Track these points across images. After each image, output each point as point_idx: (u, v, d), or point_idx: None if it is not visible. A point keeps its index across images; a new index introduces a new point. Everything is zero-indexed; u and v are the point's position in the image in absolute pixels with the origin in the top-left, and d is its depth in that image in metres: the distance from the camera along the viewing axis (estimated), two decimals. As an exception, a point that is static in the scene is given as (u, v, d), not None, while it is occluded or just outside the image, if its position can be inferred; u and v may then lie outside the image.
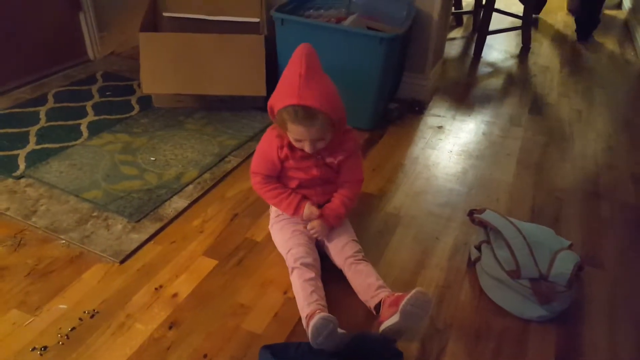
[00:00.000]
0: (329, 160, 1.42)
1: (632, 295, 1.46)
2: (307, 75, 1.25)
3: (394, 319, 1.19)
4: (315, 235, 1.44)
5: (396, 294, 1.26)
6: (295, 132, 1.30)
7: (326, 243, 1.46)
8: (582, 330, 1.35)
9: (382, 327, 1.23)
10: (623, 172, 2.06)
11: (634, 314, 1.40)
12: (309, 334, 1.16)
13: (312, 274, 1.33)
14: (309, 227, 1.44)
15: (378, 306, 1.29)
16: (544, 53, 3.33)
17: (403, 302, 1.18)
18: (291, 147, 1.38)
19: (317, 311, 1.21)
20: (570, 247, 1.43)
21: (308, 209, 1.43)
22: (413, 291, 1.19)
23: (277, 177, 1.47)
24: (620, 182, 1.99)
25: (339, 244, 1.43)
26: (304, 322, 1.25)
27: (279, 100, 1.28)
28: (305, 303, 1.26)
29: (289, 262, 1.39)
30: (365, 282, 1.34)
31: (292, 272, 1.37)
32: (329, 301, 1.30)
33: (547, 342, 1.30)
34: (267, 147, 1.42)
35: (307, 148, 1.33)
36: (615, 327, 1.36)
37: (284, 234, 1.46)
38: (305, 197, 1.46)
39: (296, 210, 1.43)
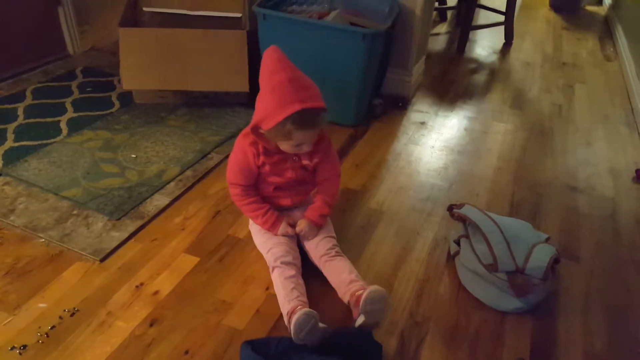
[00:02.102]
0: (305, 162, 1.41)
1: (606, 288, 1.50)
2: (295, 77, 1.23)
3: (361, 319, 1.21)
4: (304, 236, 1.45)
5: (357, 294, 1.26)
6: (299, 139, 1.27)
7: (303, 241, 1.47)
8: (558, 321, 1.37)
9: (356, 324, 1.24)
10: (601, 166, 2.10)
11: (608, 306, 1.44)
12: (291, 329, 1.17)
13: (293, 272, 1.34)
14: (297, 229, 1.44)
15: (349, 301, 1.31)
16: (526, 48, 3.37)
17: (361, 305, 1.20)
18: (267, 152, 1.36)
19: (299, 307, 1.22)
20: (547, 240, 1.46)
21: (283, 228, 1.43)
22: (365, 293, 1.20)
23: (254, 184, 1.45)
24: (598, 176, 2.03)
25: (314, 242, 1.44)
26: (285, 318, 1.26)
27: (274, 112, 1.22)
28: (287, 300, 1.27)
29: (269, 261, 1.39)
30: (339, 279, 1.35)
31: (272, 270, 1.37)
32: (309, 297, 1.31)
33: (523, 333, 1.33)
34: (242, 157, 1.38)
35: (306, 148, 1.32)
36: (590, 318, 1.39)
37: (264, 233, 1.46)
38: (279, 207, 1.47)
39: (272, 228, 1.43)
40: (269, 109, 1.24)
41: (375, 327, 1.25)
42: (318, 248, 1.42)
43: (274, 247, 1.40)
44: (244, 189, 1.43)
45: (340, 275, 1.35)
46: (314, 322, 1.16)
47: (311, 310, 1.18)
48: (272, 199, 1.47)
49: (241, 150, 1.38)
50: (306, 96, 1.21)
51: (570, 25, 3.89)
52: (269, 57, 1.27)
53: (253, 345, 1.17)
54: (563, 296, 1.45)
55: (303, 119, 1.22)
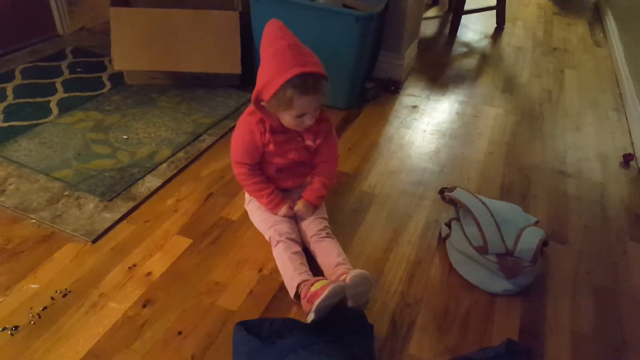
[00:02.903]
0: (308, 142, 1.41)
1: (594, 270, 1.53)
2: (295, 44, 1.22)
3: (350, 302, 1.22)
4: (300, 216, 1.46)
5: (341, 278, 1.24)
6: (301, 106, 1.23)
7: (299, 222, 1.48)
8: (546, 303, 1.40)
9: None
10: (589, 151, 2.12)
11: (595, 288, 1.46)
12: (322, 296, 1.14)
13: (299, 248, 1.37)
14: (295, 209, 1.46)
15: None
16: (517, 33, 3.37)
17: (346, 290, 1.19)
18: (273, 131, 1.36)
19: (316, 280, 1.23)
20: (536, 223, 1.48)
21: (285, 209, 1.44)
22: (348, 278, 1.20)
23: (259, 163, 1.45)
24: (586, 160, 2.05)
25: (306, 222, 1.45)
26: (292, 291, 1.28)
27: (275, 78, 1.20)
28: (296, 273, 1.28)
29: (274, 235, 1.40)
30: (326, 260, 1.36)
31: (276, 244, 1.38)
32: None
33: (513, 314, 1.35)
34: (248, 135, 1.37)
35: (308, 121, 1.29)
36: (578, 300, 1.42)
37: (264, 211, 1.47)
38: (280, 189, 1.48)
39: (274, 208, 1.45)
40: (269, 75, 1.22)
41: (364, 307, 1.27)
42: (309, 228, 1.43)
43: (277, 223, 1.42)
44: (250, 167, 1.43)
45: (328, 257, 1.36)
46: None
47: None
48: (274, 181, 1.48)
49: (247, 128, 1.36)
50: (306, 61, 1.20)
51: (561, 11, 3.90)
52: (270, 27, 1.27)
53: (246, 325, 1.18)
54: (552, 278, 1.48)
55: (304, 83, 1.19)
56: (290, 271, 1.31)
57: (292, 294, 1.29)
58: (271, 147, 1.38)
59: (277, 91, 1.21)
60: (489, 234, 1.37)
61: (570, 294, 1.44)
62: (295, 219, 1.48)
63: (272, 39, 1.24)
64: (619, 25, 3.25)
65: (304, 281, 1.26)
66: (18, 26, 2.39)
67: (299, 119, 1.28)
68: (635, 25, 2.87)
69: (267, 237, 1.44)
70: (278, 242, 1.38)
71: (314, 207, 1.47)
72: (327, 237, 1.42)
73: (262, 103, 1.28)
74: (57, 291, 1.29)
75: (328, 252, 1.37)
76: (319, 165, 1.50)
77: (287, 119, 1.29)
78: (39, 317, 1.22)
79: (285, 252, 1.34)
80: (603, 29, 3.55)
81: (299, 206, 1.46)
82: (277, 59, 1.21)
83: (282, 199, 1.46)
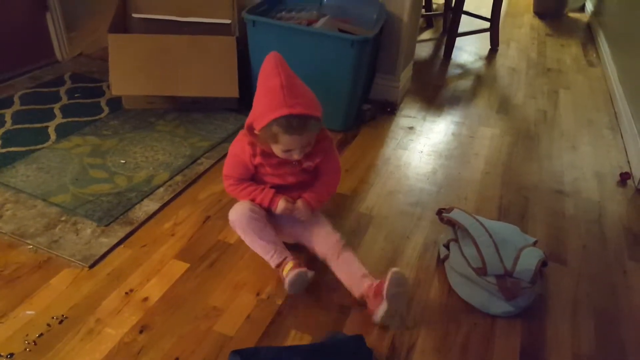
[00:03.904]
0: (306, 165, 1.43)
1: (594, 290, 1.52)
2: (288, 84, 1.26)
3: (384, 306, 1.26)
4: (299, 217, 1.46)
5: (375, 284, 1.31)
6: (286, 143, 1.30)
7: (307, 233, 1.47)
8: (546, 324, 1.39)
9: (377, 317, 1.28)
10: (586, 170, 2.13)
11: (595, 309, 1.45)
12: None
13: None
14: (296, 205, 1.45)
15: (361, 296, 1.34)
16: (511, 55, 3.41)
17: (385, 289, 1.24)
18: (264, 154, 1.39)
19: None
20: (535, 244, 1.47)
21: (282, 203, 1.43)
22: (389, 274, 1.26)
23: (251, 179, 1.48)
24: (583, 180, 2.06)
25: (322, 233, 1.45)
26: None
27: (264, 114, 1.26)
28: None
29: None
30: (350, 270, 1.37)
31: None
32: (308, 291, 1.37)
33: (513, 336, 1.34)
34: (239, 152, 1.42)
35: (296, 156, 1.34)
36: (578, 321, 1.41)
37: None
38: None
39: (271, 203, 1.44)
40: (259, 110, 1.29)
41: (395, 316, 1.30)
42: (328, 239, 1.44)
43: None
44: (238, 179, 1.46)
45: (351, 267, 1.38)
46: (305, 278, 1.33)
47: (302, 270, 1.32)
48: None
49: (240, 145, 1.42)
50: (295, 103, 1.24)
51: (554, 32, 3.96)
52: (268, 62, 1.31)
53: (242, 354, 1.16)
54: (551, 299, 1.47)
55: (289, 124, 1.25)
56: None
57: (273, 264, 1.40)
58: (267, 169, 1.41)
59: (265, 126, 1.27)
60: (488, 255, 1.37)
61: (571, 315, 1.42)
62: (295, 233, 1.49)
63: (268, 74, 1.29)
64: (612, 45, 3.30)
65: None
66: (18, 52, 2.42)
67: (287, 152, 1.33)
68: (627, 45, 2.92)
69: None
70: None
71: (312, 210, 1.47)
72: (347, 247, 1.42)
73: (255, 132, 1.33)
74: (53, 317, 1.28)
75: (350, 263, 1.39)
76: (322, 177, 1.51)
77: (276, 150, 1.35)
78: (35, 344, 1.21)
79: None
80: (596, 50, 3.60)
81: (298, 204, 1.44)
82: (268, 96, 1.27)
83: (275, 194, 1.45)
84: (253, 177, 1.48)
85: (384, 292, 1.25)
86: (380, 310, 1.27)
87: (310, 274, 1.36)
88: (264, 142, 1.34)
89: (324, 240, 1.44)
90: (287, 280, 1.32)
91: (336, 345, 1.20)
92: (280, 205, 1.43)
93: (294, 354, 1.17)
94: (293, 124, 1.25)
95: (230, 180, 1.48)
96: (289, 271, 1.33)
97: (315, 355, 1.17)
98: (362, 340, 1.23)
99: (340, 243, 1.42)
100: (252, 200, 1.46)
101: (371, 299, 1.30)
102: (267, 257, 1.41)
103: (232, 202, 1.56)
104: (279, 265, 1.38)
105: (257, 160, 1.40)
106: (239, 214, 1.44)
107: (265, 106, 1.27)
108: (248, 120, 1.33)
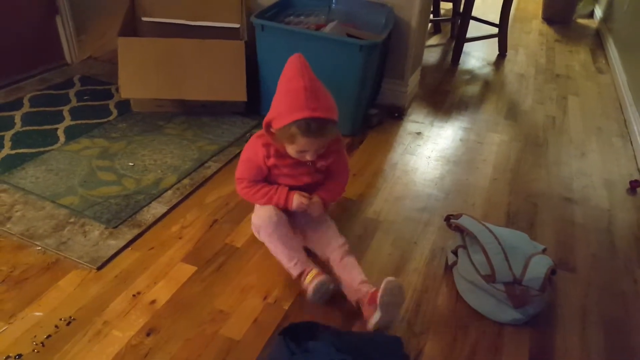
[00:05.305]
0: (320, 164, 1.44)
1: (603, 299, 1.50)
2: (312, 88, 1.27)
3: (377, 315, 1.25)
4: (312, 213, 1.46)
5: (370, 292, 1.30)
6: (302, 145, 1.31)
7: (315, 236, 1.48)
8: (555, 333, 1.38)
9: (370, 325, 1.28)
10: (595, 177, 2.12)
11: (604, 317, 1.44)
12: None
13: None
14: (313, 200, 1.46)
15: (357, 302, 1.34)
16: (520, 60, 3.40)
17: (379, 297, 1.23)
18: (278, 155, 1.40)
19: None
20: (544, 251, 1.46)
21: (298, 198, 1.44)
22: (383, 283, 1.25)
23: (264, 180, 1.49)
24: (592, 187, 2.05)
25: (325, 237, 1.46)
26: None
27: (284, 115, 1.27)
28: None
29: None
30: (350, 276, 1.37)
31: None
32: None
33: (521, 345, 1.33)
34: (253, 155, 1.44)
35: (309, 157, 1.35)
36: (587, 329, 1.40)
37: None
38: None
39: (286, 202, 1.45)
40: (280, 110, 1.29)
41: (389, 326, 1.28)
42: (331, 243, 1.45)
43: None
44: (251, 180, 1.47)
45: (351, 273, 1.37)
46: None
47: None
48: None
49: (253, 148, 1.43)
50: (317, 106, 1.25)
51: (563, 38, 3.95)
52: (292, 63, 1.32)
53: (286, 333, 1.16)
54: (560, 308, 1.46)
55: (308, 127, 1.26)
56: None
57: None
58: (282, 170, 1.43)
59: (284, 126, 1.28)
60: (497, 262, 1.36)
61: (580, 324, 1.41)
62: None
63: (291, 76, 1.29)
64: (621, 52, 3.28)
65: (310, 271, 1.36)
66: (28, 55, 2.44)
67: (300, 153, 1.34)
68: (637, 52, 2.90)
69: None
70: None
71: (326, 207, 1.50)
72: (349, 252, 1.43)
73: (272, 129, 1.34)
74: (61, 319, 1.28)
75: (351, 268, 1.39)
76: (333, 176, 1.52)
77: (290, 150, 1.36)
78: (43, 345, 1.21)
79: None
80: (605, 56, 3.58)
81: (315, 199, 1.45)
82: (290, 96, 1.28)
83: (289, 191, 1.45)
84: (266, 179, 1.49)
85: (378, 301, 1.24)
86: (373, 319, 1.27)
87: (333, 285, 1.34)
88: (279, 141, 1.34)
89: (328, 243, 1.45)
90: (310, 287, 1.31)
91: (375, 342, 1.21)
92: (296, 200, 1.44)
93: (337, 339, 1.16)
94: (312, 127, 1.26)
95: (243, 183, 1.48)
96: (313, 278, 1.32)
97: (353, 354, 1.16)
98: (399, 344, 1.23)
99: (344, 247, 1.43)
100: (268, 201, 1.46)
101: (365, 306, 1.30)
102: (289, 265, 1.39)
103: (240, 205, 1.56)
104: (300, 275, 1.37)
105: (271, 161, 1.41)
106: (264, 219, 1.43)
107: (287, 106, 1.28)
108: (267, 117, 1.34)
